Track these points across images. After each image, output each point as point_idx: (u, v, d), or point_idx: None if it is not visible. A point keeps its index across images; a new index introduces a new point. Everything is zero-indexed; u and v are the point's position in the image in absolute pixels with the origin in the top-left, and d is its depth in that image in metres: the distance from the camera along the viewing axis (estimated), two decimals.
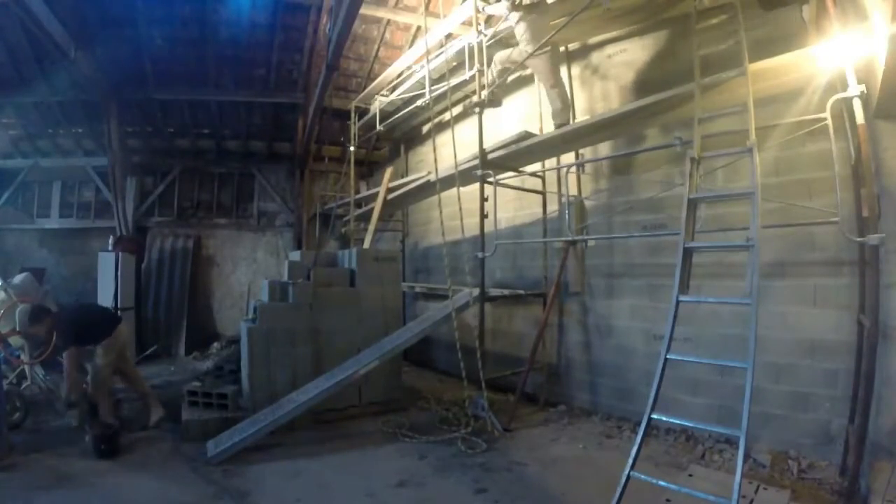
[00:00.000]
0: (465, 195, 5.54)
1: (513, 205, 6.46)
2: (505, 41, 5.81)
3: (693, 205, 3.40)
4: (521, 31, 4.86)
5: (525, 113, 6.32)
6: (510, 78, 6.36)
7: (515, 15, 4.83)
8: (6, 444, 4.26)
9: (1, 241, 9.69)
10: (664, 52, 4.92)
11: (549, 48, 4.83)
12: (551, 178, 5.99)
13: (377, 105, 8.03)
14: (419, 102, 7.20)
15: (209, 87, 8.85)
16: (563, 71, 5.54)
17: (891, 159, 3.31)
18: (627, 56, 5.31)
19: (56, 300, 7.88)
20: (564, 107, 4.98)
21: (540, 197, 6.04)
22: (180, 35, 7.91)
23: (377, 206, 8.24)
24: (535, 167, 5.88)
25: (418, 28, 7.80)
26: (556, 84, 4.99)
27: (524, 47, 4.85)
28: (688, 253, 3.28)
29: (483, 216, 5.36)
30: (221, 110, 9.47)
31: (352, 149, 8.56)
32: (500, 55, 5.24)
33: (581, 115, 5.33)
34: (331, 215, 10.27)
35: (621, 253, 5.33)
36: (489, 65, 5.35)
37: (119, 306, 7.84)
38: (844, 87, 3.31)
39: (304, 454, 4.43)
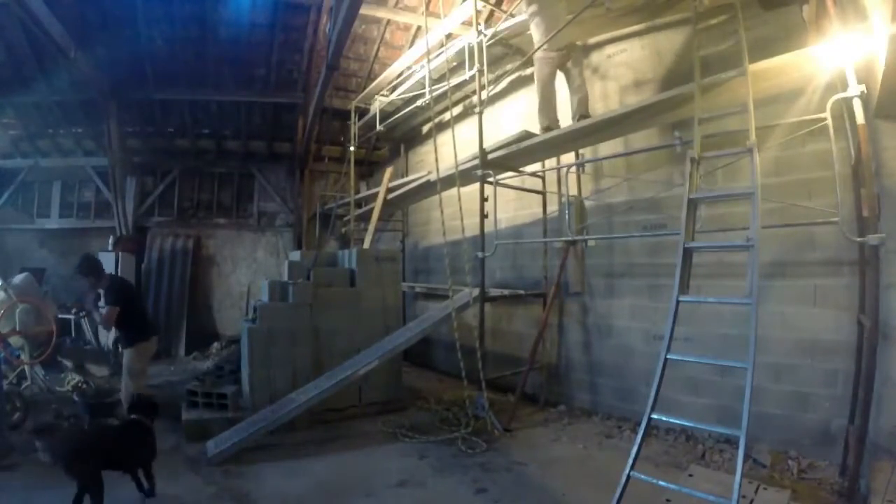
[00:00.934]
0: (466, 195, 5.54)
1: (513, 205, 6.46)
2: (505, 41, 5.82)
3: (693, 205, 3.40)
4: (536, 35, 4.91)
5: (525, 113, 6.32)
6: (509, 78, 6.40)
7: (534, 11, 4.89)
8: (6, 445, 4.26)
9: (1, 241, 9.68)
10: (664, 52, 4.92)
11: (563, 50, 4.87)
12: (551, 178, 6.00)
13: (377, 105, 8.04)
14: (419, 102, 7.20)
15: (209, 87, 8.86)
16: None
17: (891, 159, 3.31)
18: (627, 56, 5.31)
19: (56, 300, 7.89)
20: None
21: (540, 197, 6.04)
22: (180, 35, 7.91)
23: (377, 206, 8.25)
24: (535, 167, 5.88)
25: (418, 28, 7.80)
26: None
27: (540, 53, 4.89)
28: (688, 253, 3.28)
29: (483, 216, 5.36)
30: (221, 110, 9.48)
31: (352, 149, 8.56)
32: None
33: None
34: (331, 215, 10.27)
35: (621, 253, 5.33)
36: (489, 64, 5.34)
37: None
38: (844, 87, 3.31)
39: (304, 454, 4.44)
